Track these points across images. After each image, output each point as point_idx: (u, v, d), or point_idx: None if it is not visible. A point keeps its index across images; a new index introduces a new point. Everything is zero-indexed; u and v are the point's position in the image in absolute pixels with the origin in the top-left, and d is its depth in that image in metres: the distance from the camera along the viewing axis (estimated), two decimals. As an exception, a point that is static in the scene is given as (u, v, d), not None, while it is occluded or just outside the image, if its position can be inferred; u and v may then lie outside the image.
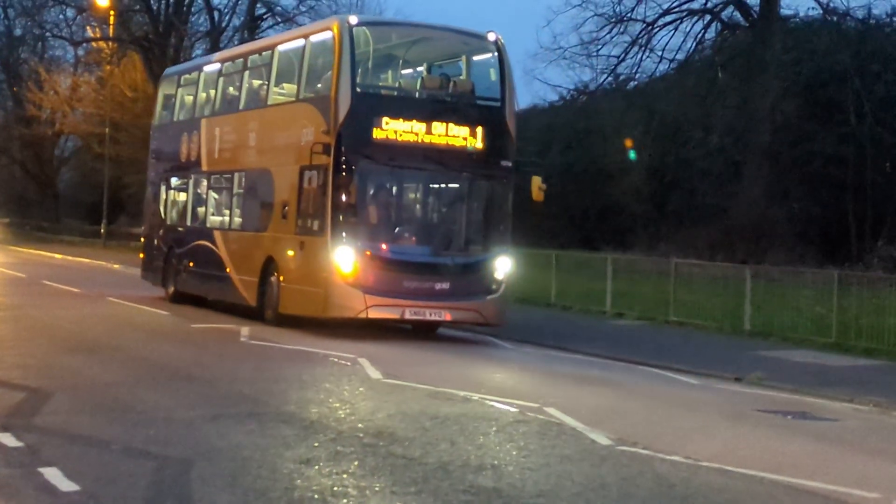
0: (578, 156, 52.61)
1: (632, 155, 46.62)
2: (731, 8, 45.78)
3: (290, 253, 21.47)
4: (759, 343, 22.71)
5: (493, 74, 21.79)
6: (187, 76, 29.33)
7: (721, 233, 41.54)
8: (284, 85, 23.41)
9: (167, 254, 27.50)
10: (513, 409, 13.34)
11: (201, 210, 26.65)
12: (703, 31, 45.94)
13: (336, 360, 17.20)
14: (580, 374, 17.58)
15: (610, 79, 48.17)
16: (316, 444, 10.78)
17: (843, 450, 12.58)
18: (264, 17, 59.53)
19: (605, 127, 50.20)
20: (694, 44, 46.05)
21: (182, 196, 27.99)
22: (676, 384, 17.40)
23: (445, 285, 20.45)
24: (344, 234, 19.99)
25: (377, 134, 20.29)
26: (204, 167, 26.32)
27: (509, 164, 21.14)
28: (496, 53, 21.62)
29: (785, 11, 45.84)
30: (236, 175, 24.74)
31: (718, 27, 46.60)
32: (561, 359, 19.93)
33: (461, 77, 22.57)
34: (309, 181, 20.95)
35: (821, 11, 44.85)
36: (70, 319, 21.89)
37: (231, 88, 25.98)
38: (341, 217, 20.00)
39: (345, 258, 19.92)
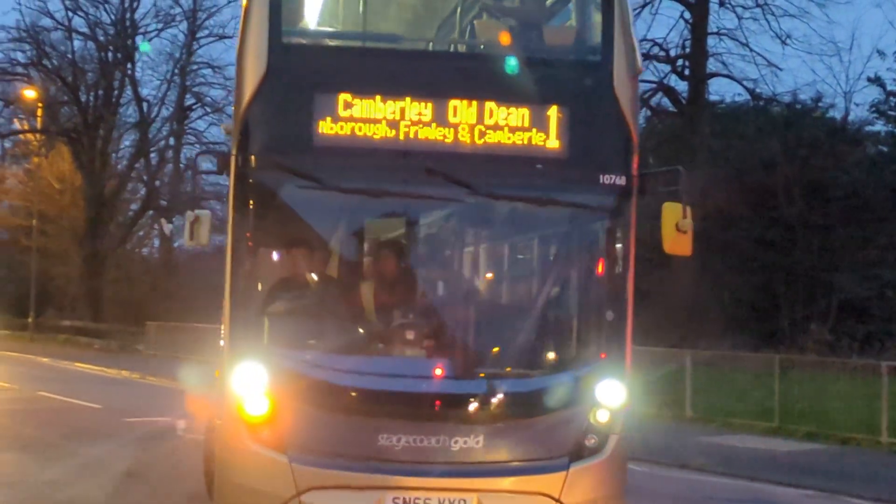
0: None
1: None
2: (660, 94, 46.39)
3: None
4: (701, 429, 22.64)
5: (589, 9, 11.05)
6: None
7: (652, 318, 41.59)
8: None
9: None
10: None
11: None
12: (632, 117, 46.45)
13: None
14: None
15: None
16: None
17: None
18: (193, 107, 59.57)
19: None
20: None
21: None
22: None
23: (474, 442, 9.56)
24: (254, 331, 9.62)
25: (326, 127, 9.56)
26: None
27: (623, 178, 9.76)
28: None
29: (713, 97, 46.54)
30: None
31: (647, 113, 47.16)
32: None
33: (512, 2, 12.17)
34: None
35: (748, 97, 45.58)
36: (2, 415, 21.42)
37: None
38: (248, 297, 9.69)
39: (252, 386, 9.43)
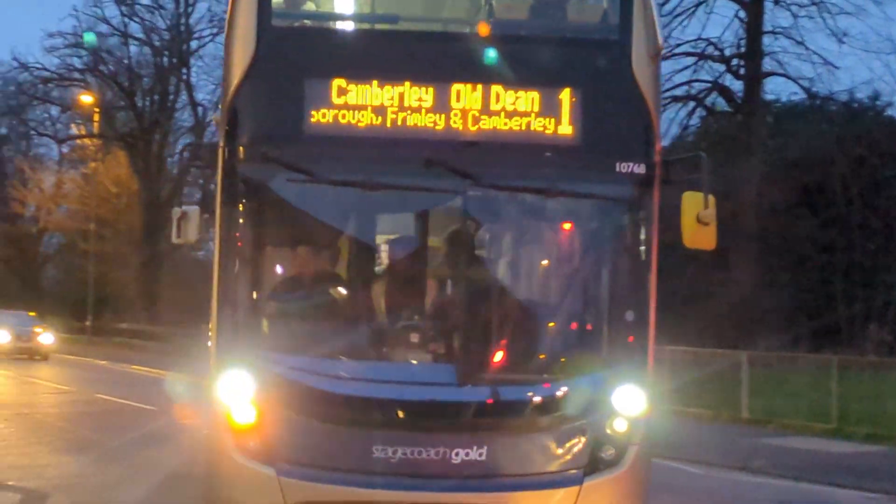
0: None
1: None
2: (714, 94, 46.08)
3: None
4: (758, 430, 22.44)
5: None
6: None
7: (709, 319, 41.36)
8: None
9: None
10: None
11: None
12: (687, 117, 46.16)
13: None
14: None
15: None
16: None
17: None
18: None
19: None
20: (678, 130, 46.26)
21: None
22: (680, 474, 17.10)
23: (477, 454, 8.81)
24: (241, 335, 9.02)
25: (318, 115, 8.99)
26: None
27: (642, 166, 9.08)
28: None
29: (768, 96, 46.16)
30: None
31: (703, 113, 46.87)
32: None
33: None
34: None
35: (804, 96, 45.18)
36: (61, 417, 21.60)
37: None
38: (236, 298, 9.10)
39: (238, 394, 8.82)
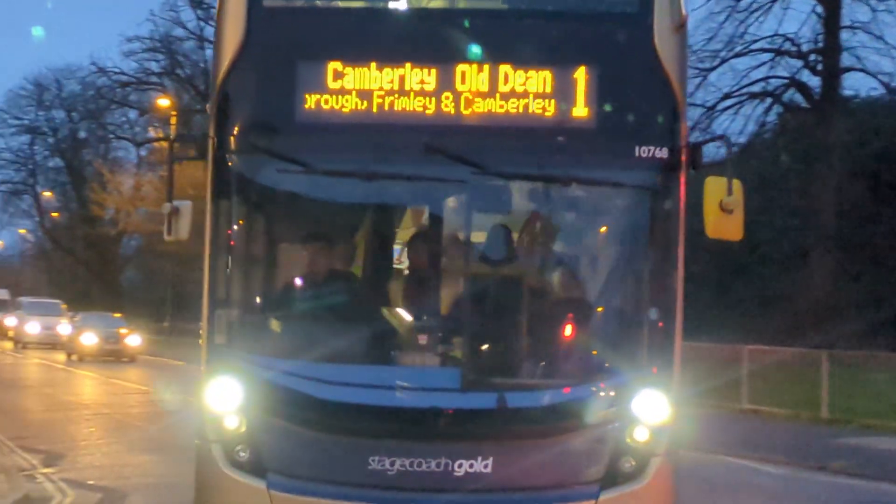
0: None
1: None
2: (792, 90, 45.57)
3: None
4: (838, 430, 22.15)
5: None
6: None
7: (788, 318, 40.97)
8: None
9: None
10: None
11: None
12: (764, 114, 45.69)
13: None
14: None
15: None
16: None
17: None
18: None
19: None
20: (755, 127, 45.82)
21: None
22: (759, 474, 16.93)
23: (482, 466, 8.06)
24: (232, 337, 8.53)
25: (313, 100, 8.31)
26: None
27: (665, 150, 8.28)
28: None
29: (847, 92, 45.57)
30: None
31: (780, 110, 46.38)
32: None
33: None
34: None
35: (883, 91, 44.55)
36: (140, 418, 21.82)
37: None
38: (227, 298, 8.66)
39: (227, 401, 8.27)
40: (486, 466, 7.94)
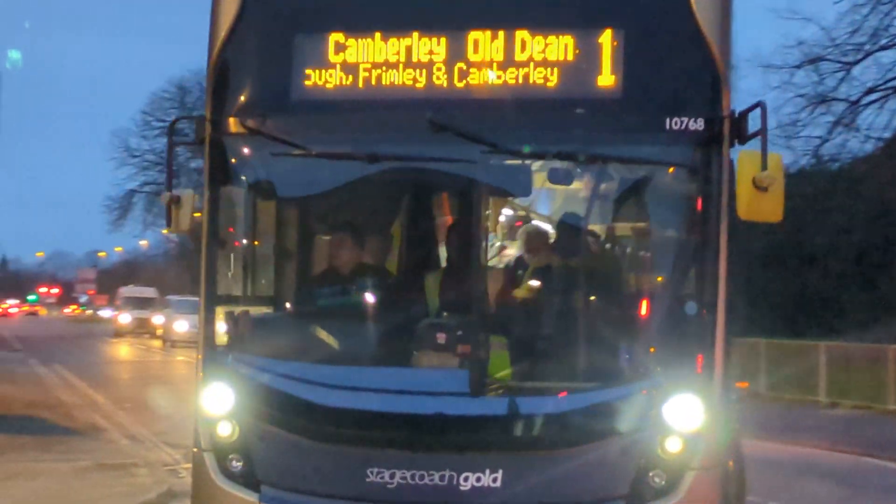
0: (780, 239, 51.43)
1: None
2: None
3: None
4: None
5: None
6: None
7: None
8: None
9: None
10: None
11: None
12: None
13: None
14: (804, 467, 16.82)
15: (812, 160, 47.07)
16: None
17: None
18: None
19: (808, 210, 48.96)
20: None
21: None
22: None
23: (490, 479, 7.28)
24: (226, 335, 7.99)
25: (314, 76, 7.68)
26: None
27: (700, 121, 7.26)
28: None
29: None
30: None
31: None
32: (780, 450, 19.12)
33: None
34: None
35: None
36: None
37: None
38: (224, 294, 8.15)
39: (220, 407, 7.73)
40: (495, 480, 7.19)
